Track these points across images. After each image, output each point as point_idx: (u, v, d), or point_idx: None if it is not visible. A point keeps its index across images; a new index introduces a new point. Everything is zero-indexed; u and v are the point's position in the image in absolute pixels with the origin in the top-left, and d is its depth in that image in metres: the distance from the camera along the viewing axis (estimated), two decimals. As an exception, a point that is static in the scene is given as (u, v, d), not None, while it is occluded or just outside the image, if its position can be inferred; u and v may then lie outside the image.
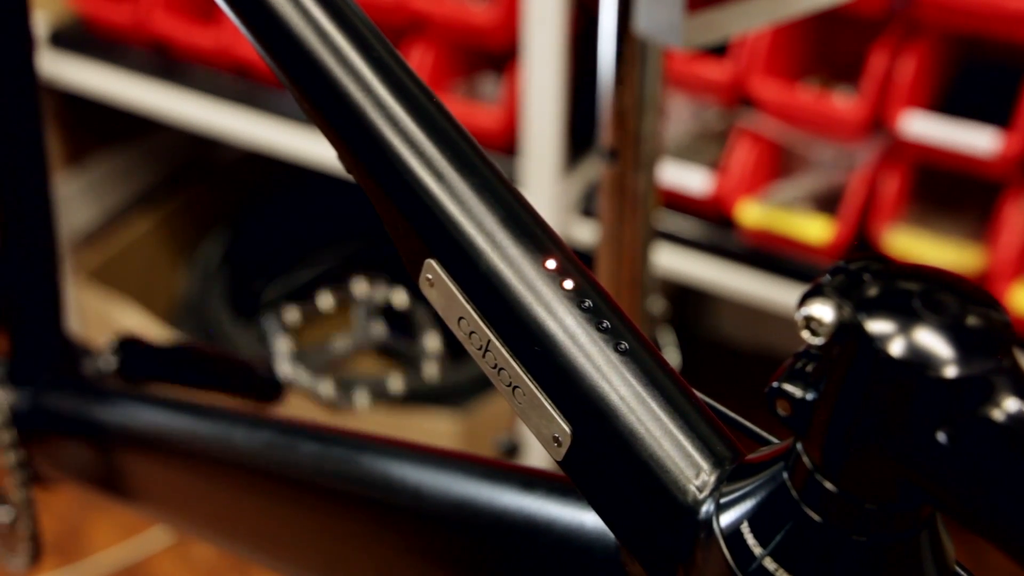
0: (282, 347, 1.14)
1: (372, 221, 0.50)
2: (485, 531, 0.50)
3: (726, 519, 0.38)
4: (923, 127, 1.30)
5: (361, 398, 1.45)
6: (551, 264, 0.43)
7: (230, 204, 2.05)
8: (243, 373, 0.89)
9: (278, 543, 0.66)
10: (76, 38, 1.75)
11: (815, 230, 1.35)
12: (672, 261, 1.41)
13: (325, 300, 1.31)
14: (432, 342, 1.32)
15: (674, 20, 0.73)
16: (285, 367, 1.07)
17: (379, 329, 1.32)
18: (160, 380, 0.87)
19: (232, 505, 0.68)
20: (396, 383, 1.35)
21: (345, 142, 0.47)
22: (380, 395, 1.52)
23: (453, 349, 1.70)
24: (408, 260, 0.46)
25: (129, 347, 0.85)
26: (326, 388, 1.44)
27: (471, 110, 1.53)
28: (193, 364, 0.88)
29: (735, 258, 1.40)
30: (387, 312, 1.85)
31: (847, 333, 0.33)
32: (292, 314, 1.29)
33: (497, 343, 0.43)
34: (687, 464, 0.40)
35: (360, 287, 1.31)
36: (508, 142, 1.50)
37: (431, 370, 1.30)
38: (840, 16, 1.36)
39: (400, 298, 1.27)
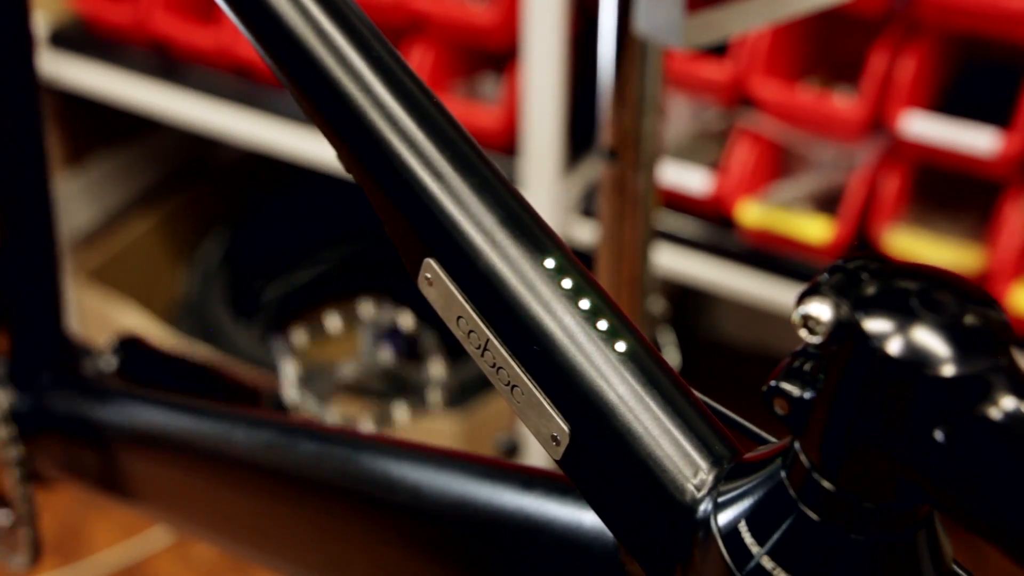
0: (289, 371, 1.13)
1: (372, 221, 0.50)
2: (484, 530, 0.50)
3: (724, 518, 0.38)
4: (923, 127, 1.30)
5: (366, 425, 1.44)
6: (550, 263, 0.43)
7: (230, 204, 2.05)
8: (248, 394, 0.89)
9: (278, 543, 0.66)
10: (76, 38, 1.75)
11: (815, 230, 1.35)
12: (672, 261, 1.41)
13: (333, 322, 1.29)
14: (437, 369, 1.30)
15: (674, 20, 0.73)
16: (292, 391, 1.07)
17: (386, 354, 1.31)
18: (160, 387, 0.86)
19: (232, 505, 0.68)
20: (401, 412, 1.35)
21: (345, 142, 0.47)
22: (385, 423, 1.54)
23: (453, 349, 1.70)
24: (407, 260, 0.46)
25: (131, 350, 0.85)
26: (332, 415, 1.43)
27: (471, 110, 1.53)
28: (197, 377, 0.88)
29: (735, 258, 1.40)
30: (394, 335, 1.84)
31: (845, 332, 0.33)
32: (299, 336, 1.27)
33: (496, 342, 0.43)
34: (685, 463, 0.40)
35: (367, 309, 1.28)
36: (508, 142, 1.50)
37: (435, 398, 1.29)
38: (840, 16, 1.36)
39: (407, 321, 1.25)
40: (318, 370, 1.07)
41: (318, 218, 2.01)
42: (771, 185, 1.42)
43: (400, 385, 1.13)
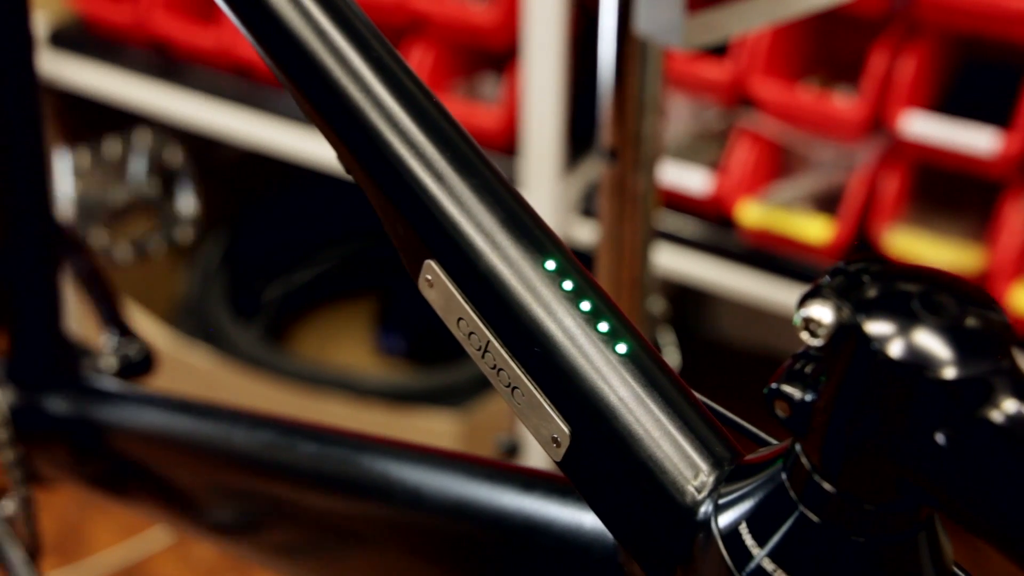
0: (68, 190, 1.10)
1: (372, 221, 0.50)
2: (484, 531, 0.50)
3: (724, 520, 0.38)
4: (923, 127, 1.30)
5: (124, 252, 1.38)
6: (550, 265, 0.43)
7: (230, 204, 2.05)
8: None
9: (278, 543, 0.66)
10: (76, 38, 1.75)
11: (815, 230, 1.35)
12: (672, 261, 1.41)
13: (111, 147, 1.26)
14: (188, 205, 1.25)
15: (674, 20, 0.73)
16: (68, 210, 1.07)
17: (155, 185, 1.26)
18: None
19: (231, 505, 0.68)
20: (156, 243, 1.30)
21: (345, 143, 0.47)
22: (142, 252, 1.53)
23: (453, 349, 1.70)
24: (407, 261, 0.46)
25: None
26: (97, 237, 1.38)
27: (471, 110, 1.53)
28: None
29: (735, 258, 1.40)
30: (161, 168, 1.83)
31: (846, 334, 0.33)
32: (82, 159, 1.26)
33: (496, 344, 0.43)
34: (686, 465, 0.40)
35: (143, 136, 1.25)
36: (508, 142, 1.50)
37: (185, 234, 1.25)
38: (840, 16, 1.36)
39: (175, 155, 1.23)
40: (93, 193, 1.07)
41: (318, 218, 2.01)
42: (771, 185, 1.42)
43: (160, 215, 1.14)
